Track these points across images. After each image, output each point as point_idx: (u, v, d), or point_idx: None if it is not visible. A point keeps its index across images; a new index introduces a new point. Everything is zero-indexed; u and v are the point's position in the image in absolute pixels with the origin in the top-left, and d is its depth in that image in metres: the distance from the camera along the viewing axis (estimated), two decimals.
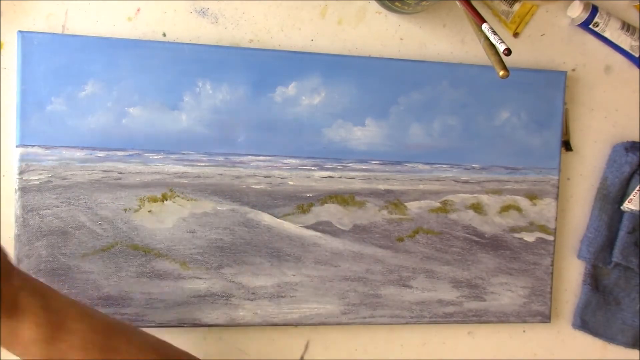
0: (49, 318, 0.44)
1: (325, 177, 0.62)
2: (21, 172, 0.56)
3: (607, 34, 0.68)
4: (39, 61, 0.56)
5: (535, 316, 0.67)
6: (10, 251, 0.57)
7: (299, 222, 0.62)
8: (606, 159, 0.70)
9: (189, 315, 0.60)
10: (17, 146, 0.56)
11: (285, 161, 0.61)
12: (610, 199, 0.69)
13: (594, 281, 0.70)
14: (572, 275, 0.70)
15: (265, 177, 0.61)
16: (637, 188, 0.68)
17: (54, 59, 0.56)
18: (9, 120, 0.57)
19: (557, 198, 0.67)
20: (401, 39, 0.65)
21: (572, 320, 0.70)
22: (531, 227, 0.67)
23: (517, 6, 0.67)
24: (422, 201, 0.64)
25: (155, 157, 0.59)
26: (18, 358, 0.45)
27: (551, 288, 0.68)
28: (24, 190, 0.56)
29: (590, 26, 0.67)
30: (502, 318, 0.67)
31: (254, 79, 0.60)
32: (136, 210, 0.59)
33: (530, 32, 0.68)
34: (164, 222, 0.59)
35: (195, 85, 0.59)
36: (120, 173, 0.58)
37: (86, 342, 0.44)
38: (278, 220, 0.61)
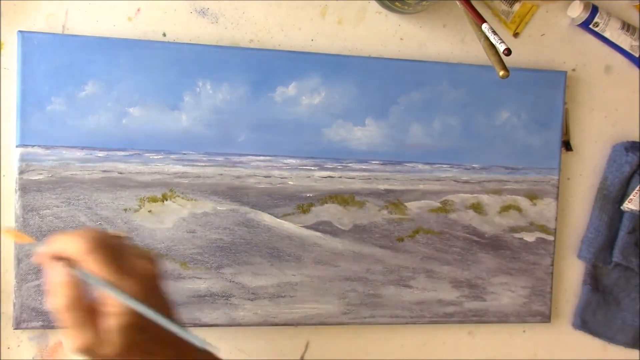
0: None
1: (325, 177, 0.62)
2: (21, 172, 0.56)
3: (607, 34, 0.68)
4: (39, 61, 0.56)
5: (535, 316, 0.67)
6: (10, 251, 0.57)
7: (299, 222, 0.62)
8: (606, 159, 0.70)
9: (189, 315, 0.60)
10: (17, 146, 0.56)
11: (285, 161, 0.61)
12: (610, 199, 0.69)
13: (594, 281, 0.70)
14: (572, 275, 0.70)
15: (265, 177, 0.61)
16: (637, 188, 0.68)
17: (54, 59, 0.56)
18: (9, 120, 0.57)
19: (557, 198, 0.67)
20: (401, 39, 0.65)
21: (572, 320, 0.70)
22: (531, 227, 0.67)
23: (517, 6, 0.67)
24: (422, 201, 0.64)
25: (155, 157, 0.59)
26: None
27: (551, 288, 0.68)
28: (24, 190, 0.56)
29: (590, 26, 0.67)
30: (502, 318, 0.67)
31: (254, 79, 0.60)
32: (136, 210, 0.59)
33: (530, 32, 0.68)
34: (164, 222, 0.59)
35: (195, 85, 0.59)
36: (120, 173, 0.58)
37: None
38: (278, 220, 0.61)
